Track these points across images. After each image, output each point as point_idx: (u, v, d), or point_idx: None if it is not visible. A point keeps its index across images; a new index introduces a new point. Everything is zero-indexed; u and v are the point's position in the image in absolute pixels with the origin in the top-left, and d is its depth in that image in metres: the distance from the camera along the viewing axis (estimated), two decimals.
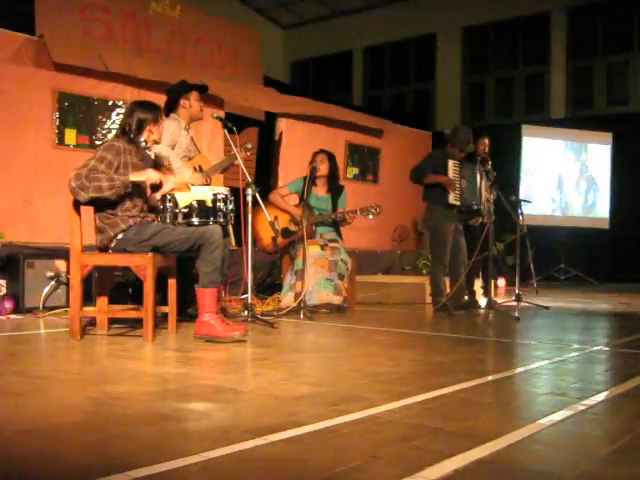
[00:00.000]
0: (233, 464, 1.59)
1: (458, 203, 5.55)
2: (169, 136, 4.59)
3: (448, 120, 11.70)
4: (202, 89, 5.06)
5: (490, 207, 5.83)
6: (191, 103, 4.78)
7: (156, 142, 3.92)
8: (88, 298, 4.29)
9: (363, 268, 6.98)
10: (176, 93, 4.80)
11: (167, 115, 4.65)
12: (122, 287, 4.99)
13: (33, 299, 4.92)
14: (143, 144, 3.84)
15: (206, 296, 3.68)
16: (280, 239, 5.34)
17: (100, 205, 3.71)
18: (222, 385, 2.51)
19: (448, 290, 5.61)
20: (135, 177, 3.66)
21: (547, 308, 5.86)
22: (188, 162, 4.77)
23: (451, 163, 5.57)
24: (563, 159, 10.24)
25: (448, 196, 5.52)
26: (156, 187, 4.20)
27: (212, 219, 3.90)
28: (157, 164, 4.62)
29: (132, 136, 3.80)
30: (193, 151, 4.90)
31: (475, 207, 5.63)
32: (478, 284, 6.09)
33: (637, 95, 10.75)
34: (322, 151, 5.68)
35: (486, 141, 6.08)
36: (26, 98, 5.55)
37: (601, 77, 11.16)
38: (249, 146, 5.04)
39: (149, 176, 3.71)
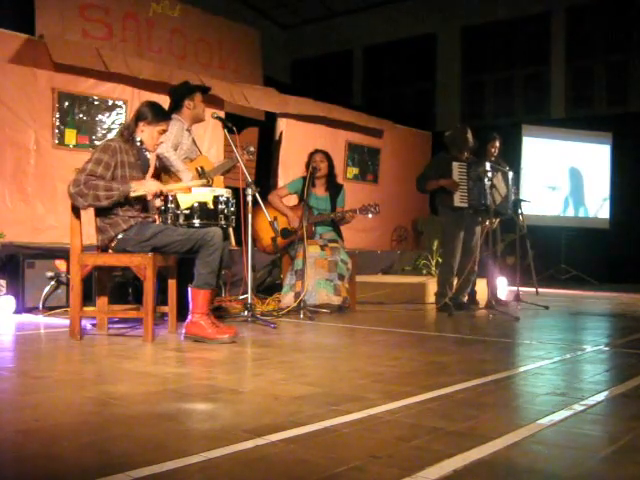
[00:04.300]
0: (233, 464, 1.59)
1: (465, 205, 5.49)
2: (172, 137, 4.59)
3: (448, 120, 11.70)
4: (205, 90, 5.07)
5: (506, 205, 5.74)
6: (195, 104, 4.79)
7: (145, 143, 3.85)
8: (88, 298, 4.29)
9: (363, 268, 6.98)
10: (180, 94, 4.80)
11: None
12: (122, 287, 4.99)
13: (33, 299, 4.92)
14: (138, 143, 3.82)
15: (199, 297, 3.67)
16: (280, 239, 5.34)
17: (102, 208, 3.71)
18: (222, 385, 2.51)
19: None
20: (135, 192, 3.64)
21: (547, 308, 5.86)
22: (190, 163, 4.77)
23: (456, 165, 5.50)
24: (563, 159, 10.24)
25: (453, 199, 5.48)
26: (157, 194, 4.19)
27: (213, 221, 3.89)
28: (160, 166, 4.62)
29: (129, 131, 3.80)
30: (195, 152, 4.91)
31: (482, 207, 5.52)
32: (478, 284, 6.08)
33: (637, 95, 10.75)
34: (319, 151, 5.69)
35: (496, 143, 6.04)
36: (26, 98, 5.55)
37: (601, 77, 11.15)
38: (251, 149, 5.04)
39: (148, 189, 3.69)
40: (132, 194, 3.63)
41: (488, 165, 5.49)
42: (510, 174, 5.85)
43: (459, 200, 5.47)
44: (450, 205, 5.50)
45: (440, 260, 6.12)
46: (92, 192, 3.53)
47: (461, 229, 5.57)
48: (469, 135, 5.65)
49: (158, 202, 3.94)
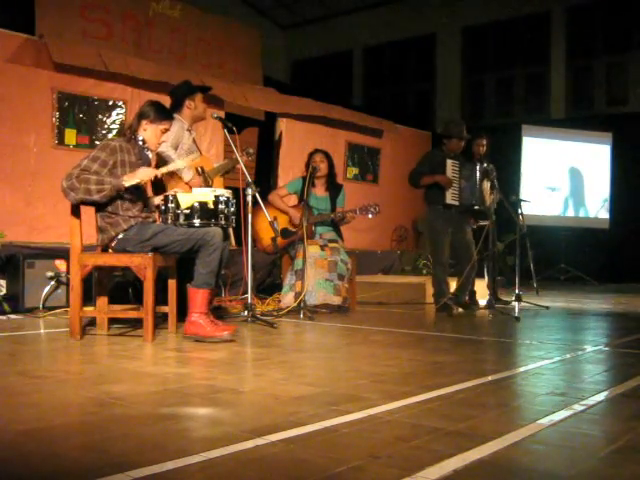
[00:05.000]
0: (233, 464, 1.59)
1: (456, 203, 5.51)
2: (173, 137, 4.59)
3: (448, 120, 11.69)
4: (206, 90, 5.07)
5: (491, 208, 5.81)
6: (196, 104, 4.78)
7: (148, 141, 3.86)
8: (88, 298, 4.29)
9: (363, 268, 6.98)
10: (181, 94, 4.79)
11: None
12: (122, 287, 4.98)
13: (33, 299, 4.92)
14: (141, 143, 3.82)
15: (198, 296, 3.67)
16: (280, 239, 5.34)
17: (101, 205, 3.70)
18: (222, 385, 2.51)
19: (452, 289, 5.60)
20: (129, 181, 3.60)
21: (547, 308, 5.86)
22: (191, 163, 4.77)
23: (450, 162, 5.54)
24: (563, 159, 10.24)
25: (445, 195, 5.50)
26: (157, 190, 4.18)
27: (213, 221, 3.89)
28: (162, 164, 4.60)
29: (132, 130, 3.79)
30: (195, 152, 4.90)
31: (476, 207, 5.57)
32: (478, 284, 6.08)
33: (637, 95, 10.75)
34: (318, 150, 5.70)
35: (483, 141, 6.06)
36: (26, 98, 5.55)
37: (601, 77, 11.16)
38: (250, 151, 5.06)
39: (142, 176, 3.66)
40: (125, 183, 3.57)
41: (479, 166, 5.56)
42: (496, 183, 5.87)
43: (450, 197, 5.50)
44: (441, 202, 5.52)
45: (431, 259, 6.12)
46: (83, 186, 3.51)
47: (449, 226, 5.58)
48: (463, 126, 5.70)
49: (157, 200, 3.94)
